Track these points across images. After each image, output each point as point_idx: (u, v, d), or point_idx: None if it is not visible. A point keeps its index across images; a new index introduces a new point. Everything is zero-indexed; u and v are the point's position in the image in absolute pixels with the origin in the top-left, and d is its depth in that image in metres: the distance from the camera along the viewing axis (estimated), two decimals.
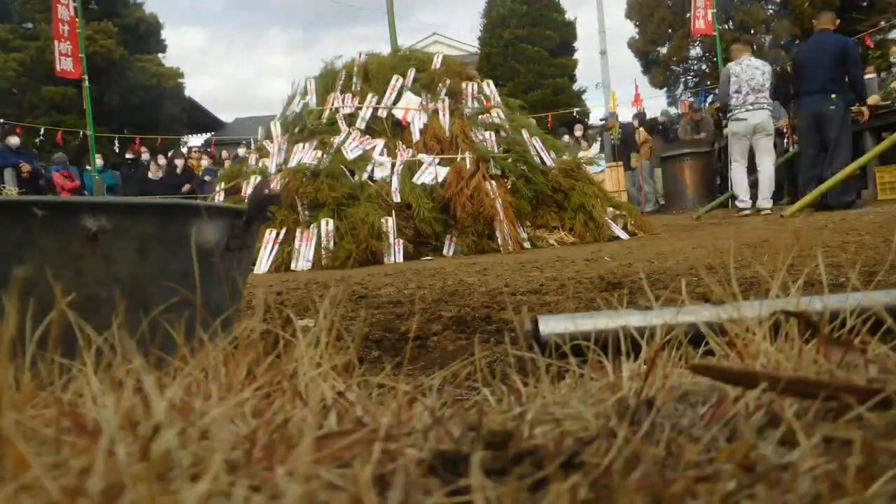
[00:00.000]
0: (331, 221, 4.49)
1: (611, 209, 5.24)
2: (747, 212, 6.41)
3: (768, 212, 6.25)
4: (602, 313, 0.92)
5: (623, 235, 4.99)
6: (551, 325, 0.94)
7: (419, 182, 4.82)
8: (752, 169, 6.61)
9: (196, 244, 0.76)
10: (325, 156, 4.99)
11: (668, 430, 0.42)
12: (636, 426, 0.43)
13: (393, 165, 4.93)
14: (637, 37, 20.03)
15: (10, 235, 0.68)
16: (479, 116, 5.45)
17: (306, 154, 5.06)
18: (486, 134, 5.23)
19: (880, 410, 0.43)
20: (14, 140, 9.22)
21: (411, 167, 4.93)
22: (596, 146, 12.02)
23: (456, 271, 3.11)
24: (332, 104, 5.42)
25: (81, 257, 0.71)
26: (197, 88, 73.47)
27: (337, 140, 5.08)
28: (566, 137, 11.44)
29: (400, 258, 4.47)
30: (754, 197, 6.53)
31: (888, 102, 6.88)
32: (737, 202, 6.60)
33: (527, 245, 4.70)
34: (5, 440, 0.33)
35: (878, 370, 0.53)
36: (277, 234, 4.53)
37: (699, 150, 9.86)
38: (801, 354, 0.56)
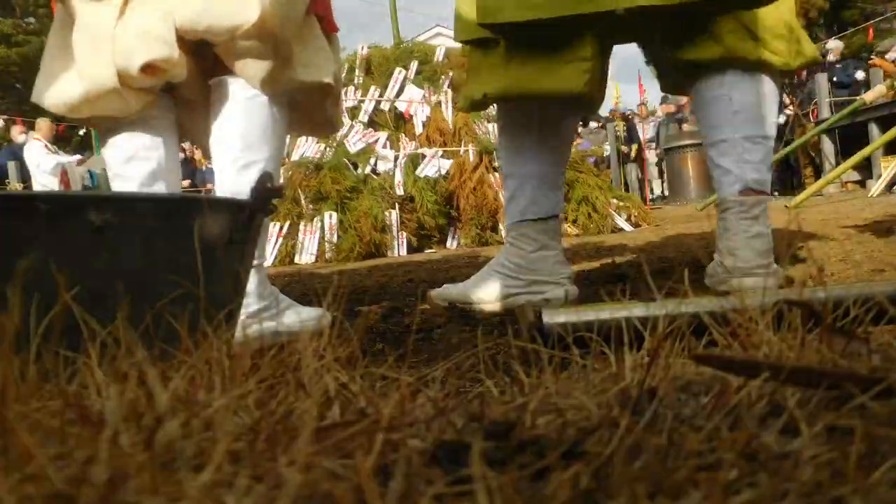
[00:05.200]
0: (334, 215, 4.49)
1: (614, 201, 5.22)
2: None
3: None
4: (605, 304, 0.92)
5: (627, 227, 4.97)
6: (554, 317, 0.94)
7: (422, 175, 4.81)
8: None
9: (199, 238, 0.76)
10: (327, 149, 4.99)
11: (670, 419, 0.43)
12: (638, 416, 0.43)
13: (396, 158, 4.92)
14: None
15: (15, 229, 0.68)
16: None
17: (309, 147, 5.05)
18: (489, 126, 5.22)
19: (883, 399, 0.43)
20: (22, 137, 9.14)
21: (414, 160, 4.92)
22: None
23: (459, 263, 3.11)
24: None
25: (86, 251, 0.71)
26: None
27: (340, 133, 5.07)
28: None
29: (403, 251, 4.47)
30: None
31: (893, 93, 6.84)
32: None
33: None
34: (11, 431, 0.33)
35: (881, 359, 0.53)
36: (281, 228, 4.54)
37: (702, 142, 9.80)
38: (803, 344, 0.56)
